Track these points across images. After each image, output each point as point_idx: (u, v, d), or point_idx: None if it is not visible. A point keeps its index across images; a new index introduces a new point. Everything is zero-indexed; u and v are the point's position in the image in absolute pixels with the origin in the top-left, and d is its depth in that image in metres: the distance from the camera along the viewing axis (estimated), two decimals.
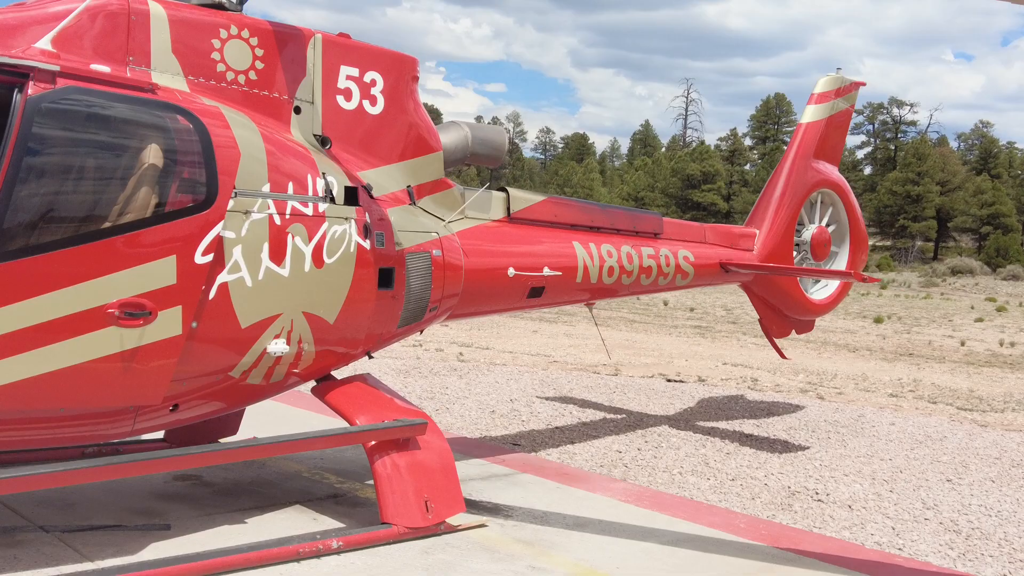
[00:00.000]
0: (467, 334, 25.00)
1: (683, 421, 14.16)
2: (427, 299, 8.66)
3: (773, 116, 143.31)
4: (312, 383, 8.34)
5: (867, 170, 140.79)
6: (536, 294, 10.01)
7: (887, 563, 7.95)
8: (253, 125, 7.23)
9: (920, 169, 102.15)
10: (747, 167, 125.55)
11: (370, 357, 8.75)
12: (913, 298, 54.40)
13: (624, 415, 14.37)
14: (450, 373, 17.35)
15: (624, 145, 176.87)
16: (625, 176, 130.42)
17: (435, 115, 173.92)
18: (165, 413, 6.94)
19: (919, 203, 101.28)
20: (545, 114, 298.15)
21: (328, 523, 7.82)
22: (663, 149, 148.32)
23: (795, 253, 13.79)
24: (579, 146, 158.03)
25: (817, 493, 10.42)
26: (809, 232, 13.78)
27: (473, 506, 8.52)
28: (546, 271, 9.94)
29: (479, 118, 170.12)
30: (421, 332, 9.45)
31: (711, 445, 12.58)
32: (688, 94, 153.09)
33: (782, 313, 13.74)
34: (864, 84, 14.75)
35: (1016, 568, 8.46)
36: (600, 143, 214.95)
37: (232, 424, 9.48)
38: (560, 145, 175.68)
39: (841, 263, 14.33)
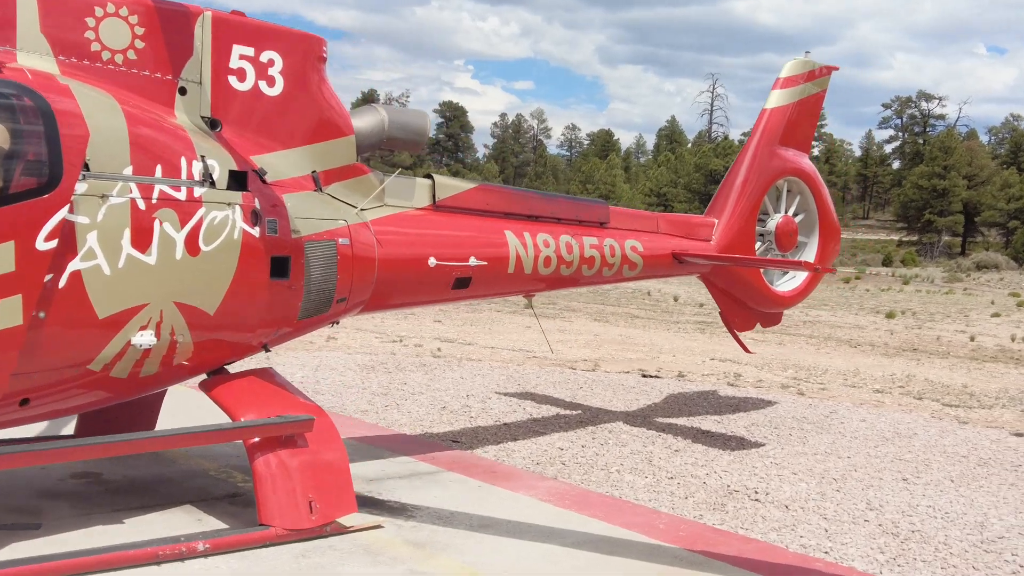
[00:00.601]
0: (455, 329, 24.63)
1: (642, 417, 13.71)
2: (332, 290, 8.25)
3: None
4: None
5: (895, 164, 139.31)
6: (463, 285, 9.60)
7: (802, 567, 7.48)
8: (116, 105, 6.84)
9: (947, 163, 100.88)
10: None
11: (267, 351, 8.32)
12: (935, 293, 53.45)
13: (581, 411, 13.93)
14: (417, 369, 16.97)
15: (650, 142, 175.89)
16: (648, 172, 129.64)
17: (460, 113, 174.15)
18: (14, 408, 6.57)
19: (945, 197, 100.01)
20: (573, 111, 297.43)
21: (213, 524, 7.45)
22: (689, 145, 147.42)
23: (759, 243, 13.32)
24: (604, 143, 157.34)
25: (756, 492, 9.95)
26: (774, 222, 13.27)
27: (378, 506, 8.14)
28: (472, 261, 9.54)
29: (504, 115, 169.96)
30: (334, 324, 9.04)
31: (661, 442, 12.13)
32: (714, 89, 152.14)
33: (745, 305, 13.25)
34: (836, 68, 14.23)
35: None
36: (627, 140, 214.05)
37: (147, 418, 9.10)
38: (586, 142, 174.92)
39: (810, 254, 13.82)
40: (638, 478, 10.35)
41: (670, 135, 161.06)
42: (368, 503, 8.19)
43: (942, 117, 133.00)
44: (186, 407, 9.68)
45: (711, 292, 13.09)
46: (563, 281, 10.70)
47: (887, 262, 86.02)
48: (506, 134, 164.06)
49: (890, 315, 38.13)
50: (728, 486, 10.15)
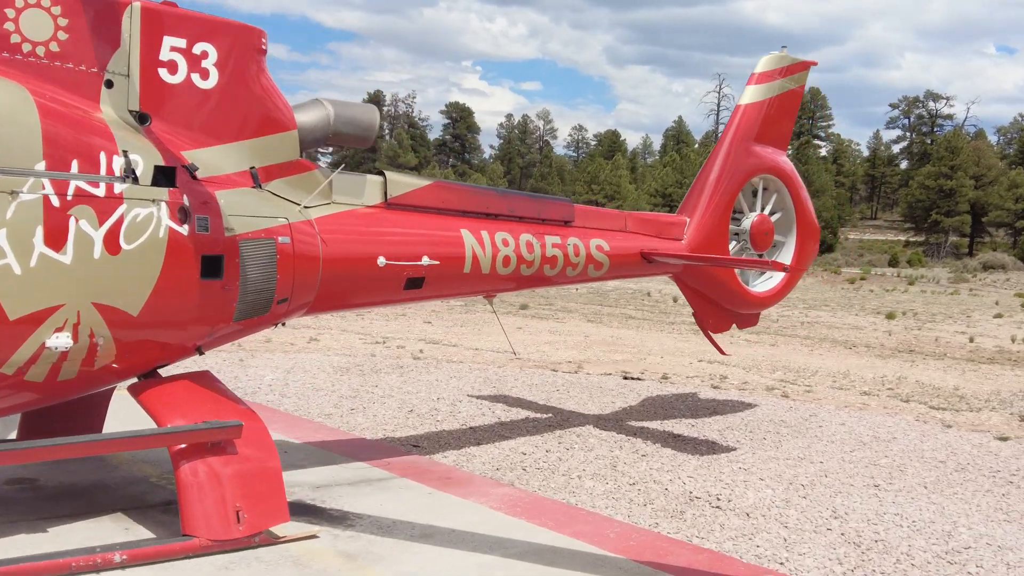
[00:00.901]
0: (445, 330, 24.34)
1: (615, 421, 13.41)
2: (272, 290, 7.95)
3: (808, 111, 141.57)
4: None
5: (903, 165, 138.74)
6: (415, 285, 9.30)
7: None
8: (29, 98, 6.56)
9: (953, 163, 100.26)
10: None
11: (200, 353, 8.02)
12: (939, 294, 53.01)
13: (552, 415, 13.63)
14: (393, 371, 16.69)
15: (657, 142, 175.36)
16: (654, 173, 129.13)
17: (466, 114, 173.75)
18: None
19: (952, 197, 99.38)
20: (581, 112, 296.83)
21: (140, 534, 7.17)
22: (696, 146, 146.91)
23: (734, 243, 13.02)
24: (611, 143, 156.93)
25: (718, 499, 9.63)
26: (749, 220, 12.96)
27: (318, 514, 7.86)
28: (425, 260, 9.24)
29: (510, 116, 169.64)
30: (278, 325, 8.75)
31: (630, 446, 11.82)
32: (720, 89, 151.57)
33: (719, 306, 12.94)
34: (815, 64, 13.92)
35: None
36: (634, 141, 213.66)
37: (91, 421, 8.80)
38: (593, 143, 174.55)
39: (787, 254, 13.51)
40: (598, 484, 10.05)
41: (677, 135, 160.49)
42: (309, 511, 7.92)
43: (950, 117, 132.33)
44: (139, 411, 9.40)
45: (684, 293, 12.78)
46: (525, 281, 10.40)
47: (893, 263, 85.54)
48: (512, 135, 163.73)
49: (890, 316, 37.75)
50: (690, 492, 9.83)
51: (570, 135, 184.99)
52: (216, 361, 16.63)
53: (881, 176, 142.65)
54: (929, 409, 16.09)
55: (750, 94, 13.02)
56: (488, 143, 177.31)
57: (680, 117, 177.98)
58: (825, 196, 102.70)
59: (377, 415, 12.90)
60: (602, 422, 13.23)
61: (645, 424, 13.26)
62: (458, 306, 32.16)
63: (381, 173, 9.44)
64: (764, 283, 13.44)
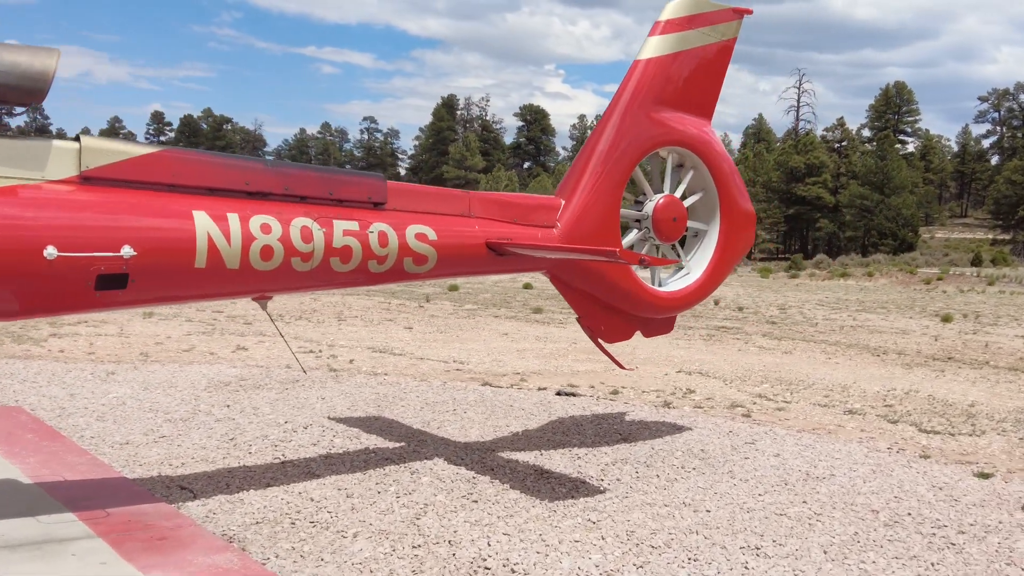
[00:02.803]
0: (416, 338, 22.07)
1: (485, 451, 10.94)
2: None
3: (893, 105, 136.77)
4: None
5: (994, 160, 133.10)
6: (115, 285, 7.04)
7: None
8: None
9: None
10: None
11: None
12: (1018, 295, 49.20)
13: (411, 443, 11.16)
14: (278, 387, 14.44)
15: (736, 140, 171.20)
16: None
17: (541, 116, 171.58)
18: None
19: None
20: None
21: None
22: (777, 143, 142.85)
23: (635, 231, 10.52)
24: None
25: (512, 571, 7.16)
26: (652, 204, 10.45)
27: None
28: (126, 251, 6.99)
29: (583, 117, 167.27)
30: None
31: (466, 488, 9.33)
32: (800, 85, 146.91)
33: (615, 309, 10.44)
34: (749, 12, 11.35)
35: None
36: None
37: None
38: None
39: (709, 246, 10.98)
40: (370, 546, 7.61)
41: (757, 133, 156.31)
42: None
43: None
44: None
45: (564, 295, 10.22)
46: (301, 280, 8.05)
47: (976, 262, 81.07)
48: (585, 136, 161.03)
49: (946, 318, 34.47)
50: (482, 561, 7.34)
51: None
52: (82, 376, 14.64)
53: (971, 172, 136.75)
54: (918, 432, 13.34)
55: (653, 46, 10.45)
56: (564, 145, 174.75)
57: (760, 114, 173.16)
58: (905, 193, 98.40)
59: (183, 445, 10.63)
60: (466, 453, 10.78)
61: (519, 455, 10.78)
62: (463, 310, 29.90)
63: (78, 139, 7.21)
64: (677, 281, 10.91)
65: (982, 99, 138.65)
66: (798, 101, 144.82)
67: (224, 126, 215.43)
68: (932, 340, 27.94)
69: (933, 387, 18.10)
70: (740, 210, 11.04)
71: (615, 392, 15.39)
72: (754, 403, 15.07)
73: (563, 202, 9.82)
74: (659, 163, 10.75)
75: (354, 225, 8.23)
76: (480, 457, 10.53)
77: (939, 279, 62.97)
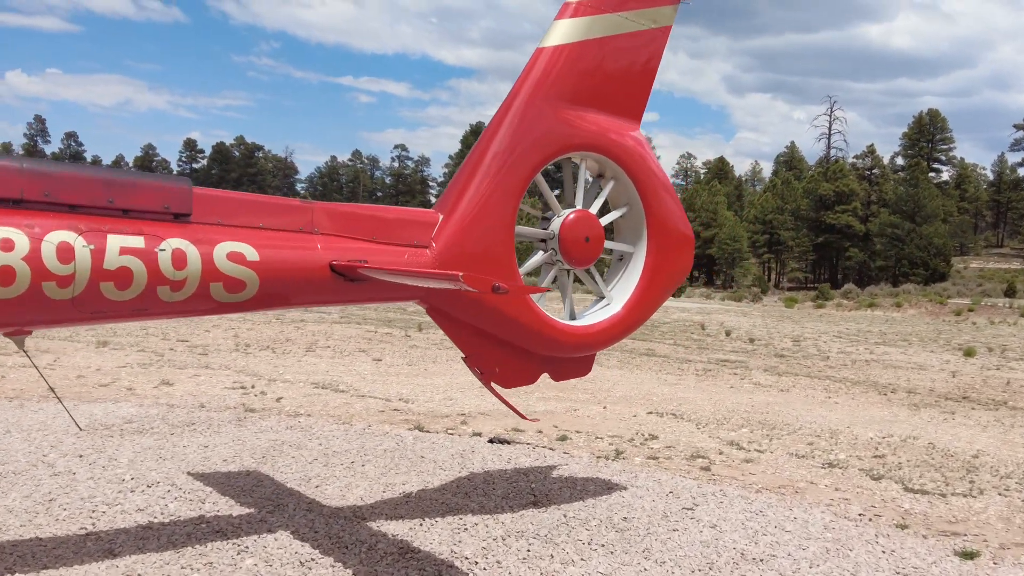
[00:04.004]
0: (378, 371, 20.28)
1: (354, 519, 9.01)
2: None
3: (927, 134, 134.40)
4: None
5: None
6: None
7: None
8: None
9: None
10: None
11: None
12: None
13: (266, 508, 9.32)
14: (171, 430, 12.67)
15: (768, 169, 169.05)
16: (754, 199, 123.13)
17: None
18: None
19: None
20: (699, 141, 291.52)
21: None
22: (809, 171, 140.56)
23: (540, 253, 8.69)
24: (718, 171, 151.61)
25: None
26: (559, 221, 8.61)
27: None
28: None
29: None
30: None
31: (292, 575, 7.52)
32: (832, 112, 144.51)
33: (512, 348, 8.56)
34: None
35: None
36: (747, 168, 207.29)
37: None
38: (703, 171, 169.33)
39: (634, 272, 9.12)
40: None
41: (789, 161, 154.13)
42: None
43: None
44: None
45: (445, 329, 8.32)
46: (61, 311, 6.25)
47: (1010, 292, 78.48)
48: None
49: (968, 352, 32.33)
50: None
51: (678, 163, 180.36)
52: None
53: (1007, 201, 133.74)
54: (902, 492, 11.39)
55: (563, 31, 8.60)
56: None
57: (793, 142, 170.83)
58: (936, 222, 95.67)
59: None
60: (328, 523, 8.86)
61: (391, 526, 8.85)
62: (440, 340, 28.09)
63: None
64: (595, 313, 9.05)
65: (1018, 127, 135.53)
66: (829, 129, 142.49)
67: (256, 153, 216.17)
68: (949, 377, 25.90)
69: (937, 433, 16.10)
70: (673, 230, 9.18)
71: (563, 438, 13.51)
72: (720, 453, 13.15)
73: (441, 217, 7.99)
74: (570, 170, 8.92)
75: (137, 241, 6.45)
76: (341, 529, 8.66)
77: (970, 310, 60.67)
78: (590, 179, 8.98)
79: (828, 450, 13.86)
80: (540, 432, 13.93)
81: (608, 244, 8.96)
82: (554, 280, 8.75)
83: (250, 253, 6.87)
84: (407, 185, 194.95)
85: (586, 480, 10.85)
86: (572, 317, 8.92)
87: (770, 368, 26.02)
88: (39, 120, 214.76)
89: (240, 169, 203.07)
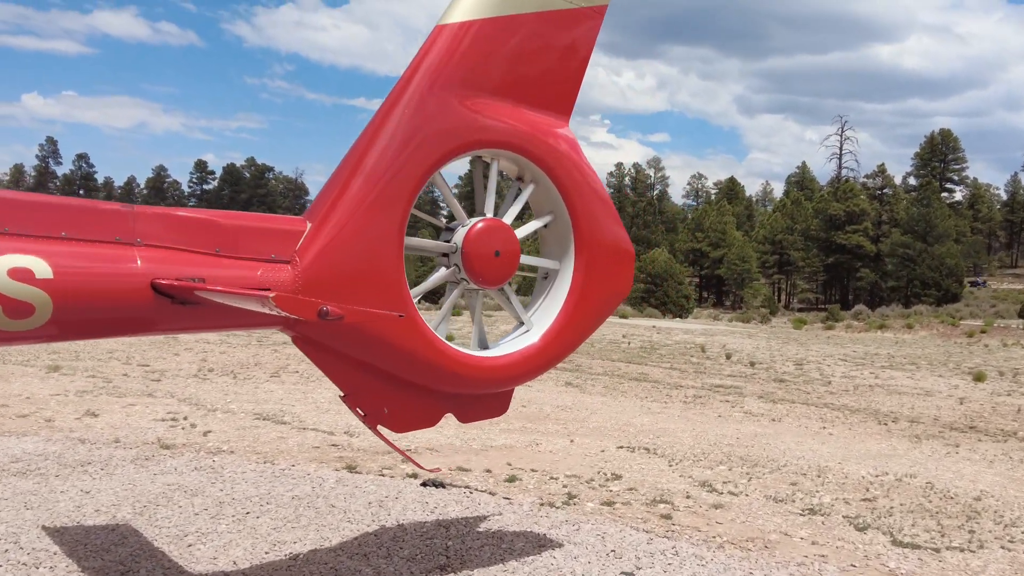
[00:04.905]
0: (337, 403, 18.82)
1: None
2: None
3: (939, 153, 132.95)
4: None
5: None
6: None
7: None
8: None
9: None
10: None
11: None
12: None
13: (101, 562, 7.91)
14: (60, 470, 11.22)
15: (779, 189, 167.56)
16: (763, 219, 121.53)
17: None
18: None
19: None
20: (711, 162, 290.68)
21: None
22: (821, 191, 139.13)
23: (443, 269, 7.23)
24: (728, 191, 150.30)
25: None
26: (464, 231, 7.13)
27: None
28: None
29: (619, 164, 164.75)
30: None
31: None
32: (842, 132, 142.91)
33: (403, 384, 7.07)
34: None
35: None
36: (757, 188, 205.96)
37: None
38: (714, 191, 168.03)
39: (560, 291, 7.65)
40: None
41: (800, 181, 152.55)
42: None
43: None
44: None
45: (316, 362, 6.81)
46: None
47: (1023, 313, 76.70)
48: (622, 183, 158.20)
49: (979, 377, 30.72)
50: None
51: (689, 184, 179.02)
52: None
53: (1020, 222, 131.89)
54: (889, 545, 9.87)
55: (468, 5, 7.19)
56: None
57: (804, 163, 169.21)
58: (948, 242, 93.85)
59: None
60: None
61: None
62: None
63: None
64: (511, 341, 7.57)
65: None
66: (840, 148, 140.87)
67: (266, 174, 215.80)
68: (956, 403, 24.35)
69: (937, 470, 14.58)
70: (606, 243, 7.72)
71: (512, 479, 12.01)
72: (688, 497, 11.64)
73: (310, 226, 6.52)
74: (481, 171, 7.48)
75: None
76: None
77: (982, 332, 59.00)
78: (521, 188, 7.54)
79: (812, 492, 12.35)
80: (489, 471, 12.45)
81: (528, 260, 7.51)
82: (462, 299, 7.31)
83: (41, 269, 5.43)
84: (417, 206, 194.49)
85: (516, 536, 9.34)
86: (483, 346, 7.47)
87: (766, 395, 24.50)
88: (51, 141, 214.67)
89: (250, 190, 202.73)
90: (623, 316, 68.19)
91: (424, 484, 11.25)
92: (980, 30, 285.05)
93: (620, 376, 27.42)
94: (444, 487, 11.14)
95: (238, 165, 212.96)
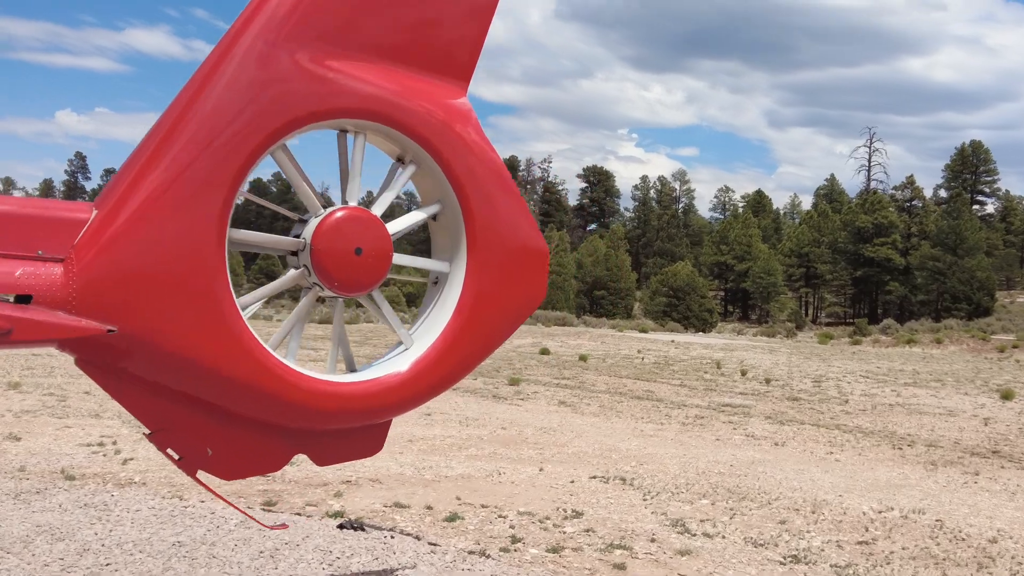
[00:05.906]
0: None
1: None
2: None
3: (970, 166, 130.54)
4: None
5: None
6: None
7: None
8: None
9: None
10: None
11: None
12: None
13: None
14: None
15: (807, 202, 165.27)
16: (789, 232, 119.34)
17: (605, 177, 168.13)
18: None
19: None
20: (740, 176, 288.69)
21: None
22: (850, 204, 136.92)
23: (293, 270, 5.68)
24: (755, 204, 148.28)
25: None
26: (314, 223, 5.59)
27: None
28: None
29: (645, 177, 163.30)
30: None
31: None
32: (871, 144, 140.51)
33: (232, 416, 5.55)
34: None
35: None
36: (786, 201, 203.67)
37: None
38: (741, 204, 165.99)
39: (449, 299, 6.10)
40: None
41: (829, 194, 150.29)
42: None
43: None
44: None
45: (109, 391, 5.31)
46: None
47: None
48: (647, 196, 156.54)
49: (1007, 395, 28.85)
50: None
51: (716, 196, 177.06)
52: None
53: None
54: None
55: None
56: (626, 206, 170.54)
57: (832, 175, 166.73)
58: (979, 255, 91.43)
59: None
60: None
61: None
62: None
63: None
64: (387, 362, 6.01)
65: None
66: (869, 160, 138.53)
67: (291, 190, 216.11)
68: (980, 425, 22.61)
69: (951, 504, 12.92)
70: (509, 240, 6.16)
71: (451, 518, 10.44)
72: (653, 540, 10.04)
73: (96, 213, 5.02)
74: (344, 149, 5.93)
75: None
76: None
77: (1014, 346, 56.89)
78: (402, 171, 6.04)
79: (801, 532, 10.74)
80: (429, 508, 10.89)
81: (405, 260, 5.99)
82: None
83: None
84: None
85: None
86: (351, 368, 5.95)
87: (775, 415, 22.84)
88: (80, 157, 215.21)
89: (276, 203, 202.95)
90: (643, 331, 66.49)
91: (341, 527, 9.69)
92: (1011, 42, 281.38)
93: (622, 394, 25.87)
94: (363, 530, 9.58)
95: (264, 180, 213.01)
